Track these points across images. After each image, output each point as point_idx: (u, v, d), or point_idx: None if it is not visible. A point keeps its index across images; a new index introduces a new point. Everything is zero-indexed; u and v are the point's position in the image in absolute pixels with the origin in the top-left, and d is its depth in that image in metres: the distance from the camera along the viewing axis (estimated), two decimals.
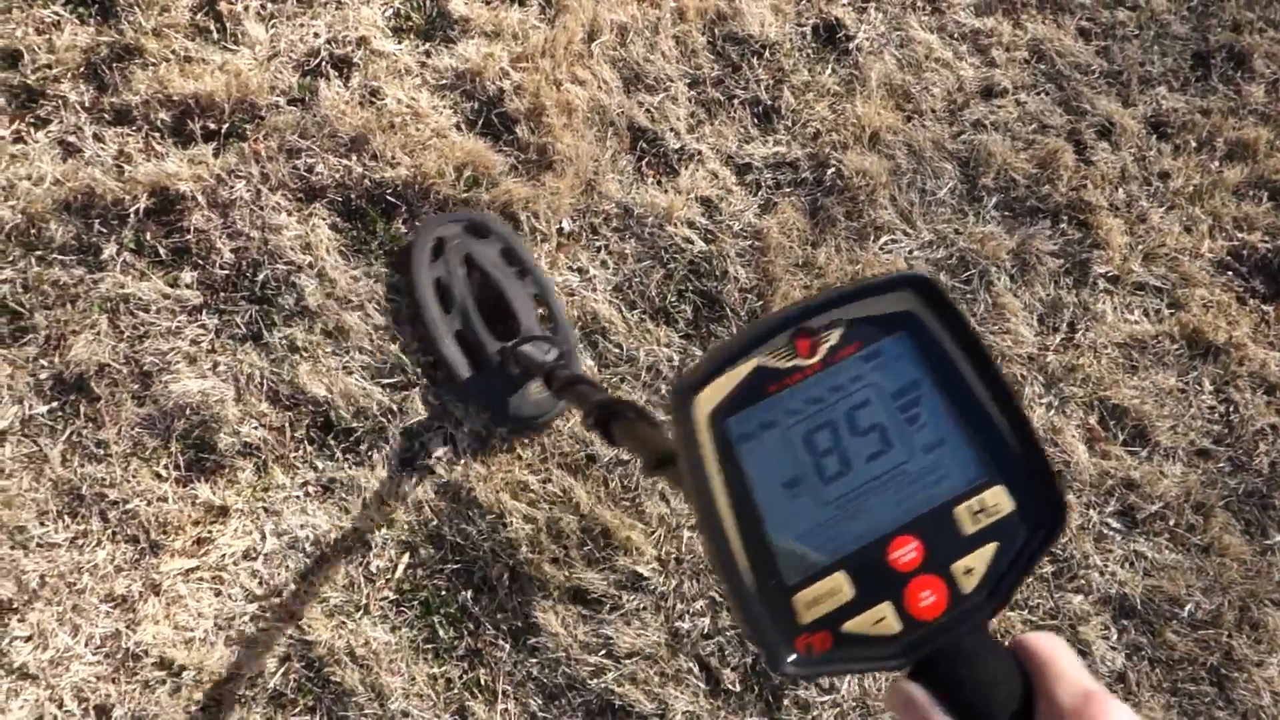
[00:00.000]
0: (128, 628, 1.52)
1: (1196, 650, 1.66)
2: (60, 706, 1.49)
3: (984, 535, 0.58)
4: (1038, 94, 1.89)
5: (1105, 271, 1.80)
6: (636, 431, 0.99)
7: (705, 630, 1.60)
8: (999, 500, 0.58)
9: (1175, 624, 1.67)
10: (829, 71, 1.86)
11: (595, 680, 1.57)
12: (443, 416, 1.63)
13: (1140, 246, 1.82)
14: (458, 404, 1.63)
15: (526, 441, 1.64)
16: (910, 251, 1.77)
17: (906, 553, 0.57)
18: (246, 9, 1.74)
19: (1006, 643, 0.56)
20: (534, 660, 1.57)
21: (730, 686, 1.59)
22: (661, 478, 0.86)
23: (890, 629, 0.56)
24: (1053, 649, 0.54)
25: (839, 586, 0.57)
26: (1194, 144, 1.88)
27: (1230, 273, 1.84)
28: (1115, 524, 1.71)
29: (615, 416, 1.03)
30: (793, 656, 0.56)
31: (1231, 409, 1.76)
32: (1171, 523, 1.71)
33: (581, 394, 1.22)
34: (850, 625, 0.57)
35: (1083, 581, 1.68)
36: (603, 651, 1.58)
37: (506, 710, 1.56)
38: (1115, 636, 1.67)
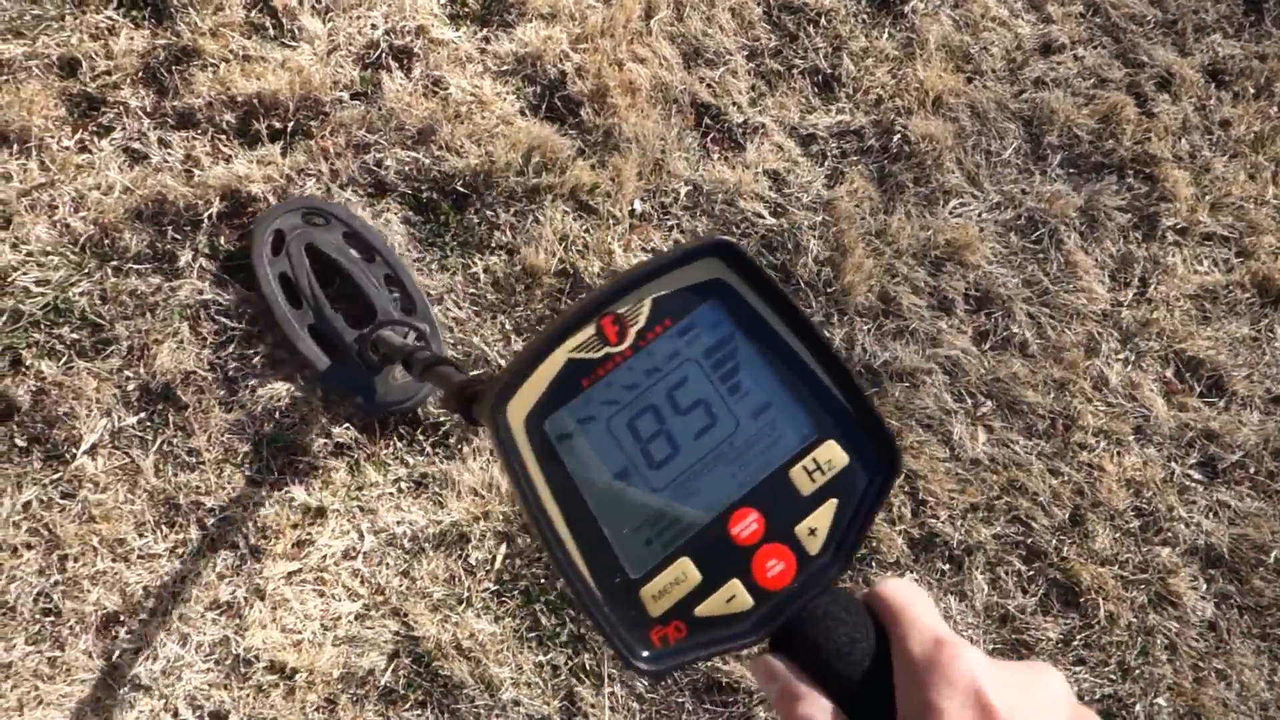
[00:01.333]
0: (236, 633, 1.52)
1: None
2: (176, 716, 1.49)
3: (823, 493, 0.57)
4: (1095, 48, 1.88)
5: (1173, 224, 1.80)
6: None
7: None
8: (832, 455, 0.57)
9: (1262, 570, 1.69)
10: (886, 36, 1.84)
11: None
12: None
13: (1207, 197, 1.82)
14: (322, 399, 1.61)
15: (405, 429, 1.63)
16: (979, 214, 1.77)
17: (747, 525, 0.56)
18: (301, 3, 1.72)
19: (860, 596, 0.55)
20: None
21: None
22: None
23: (743, 605, 0.55)
24: (905, 598, 0.52)
25: (685, 572, 0.55)
26: (1252, 90, 1.88)
27: None
28: (1197, 475, 1.72)
29: (476, 398, 0.97)
30: (647, 652, 0.54)
31: None
32: (1252, 470, 1.73)
33: (443, 375, 1.16)
34: (702, 609, 0.55)
35: (1169, 534, 1.70)
36: None
37: (614, 693, 1.57)
38: (1204, 587, 1.68)
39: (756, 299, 0.57)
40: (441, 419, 1.61)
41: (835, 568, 0.56)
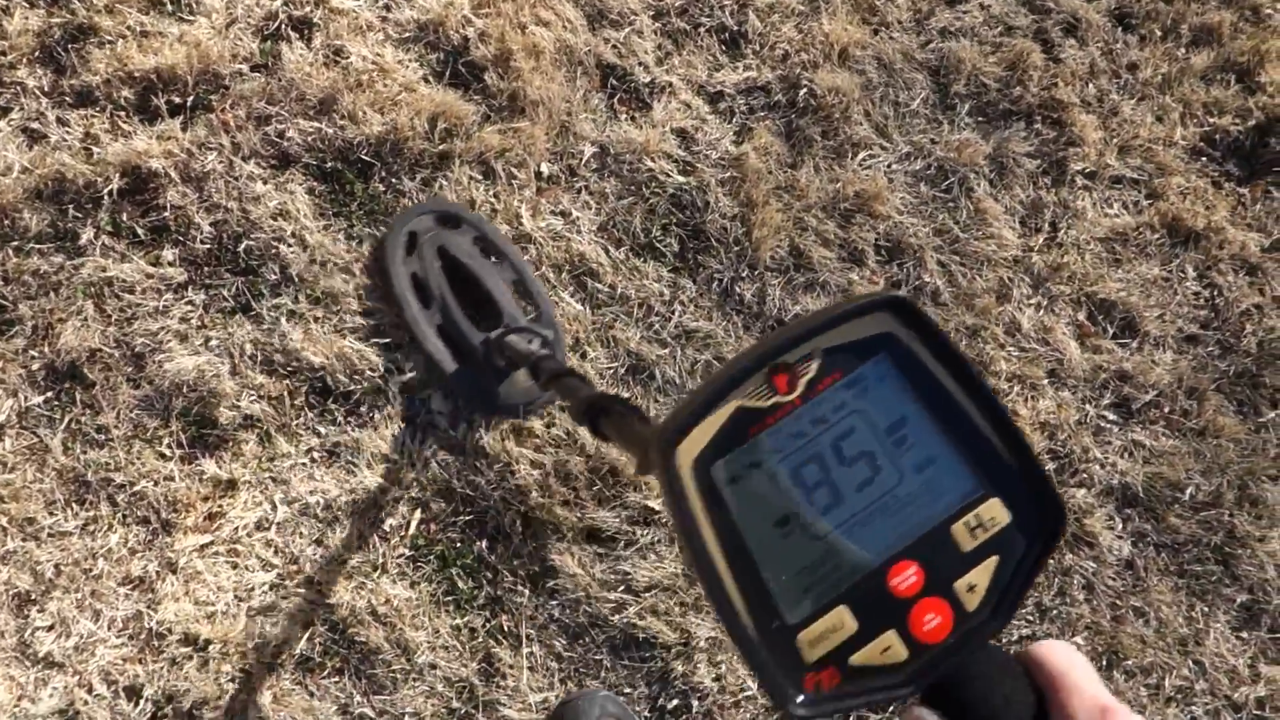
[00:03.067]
0: (148, 608, 1.52)
1: (1200, 531, 1.69)
2: (90, 691, 1.49)
3: (984, 550, 0.57)
4: None
5: (1082, 168, 1.81)
6: (626, 428, 0.95)
7: None
8: (995, 513, 0.57)
9: (1178, 508, 1.70)
10: None
11: (617, 616, 1.59)
12: (425, 423, 1.63)
13: (1114, 140, 1.83)
14: (446, 400, 1.64)
15: (524, 425, 1.65)
16: (889, 165, 1.78)
17: (906, 578, 0.56)
18: None
19: (1017, 653, 0.55)
20: (554, 602, 1.59)
21: None
22: (652, 476, 0.85)
23: (898, 657, 0.55)
24: (1067, 661, 0.52)
25: (842, 621, 0.55)
26: (1159, 33, 1.89)
27: (1204, 158, 1.85)
28: (1112, 416, 1.73)
29: (604, 412, 1.01)
30: (801, 697, 0.55)
31: (1216, 293, 1.79)
32: (1166, 410, 1.74)
33: (570, 387, 1.20)
34: (857, 658, 0.55)
35: (1085, 475, 1.71)
36: (621, 588, 1.60)
37: (532, 654, 1.58)
38: (1120, 526, 1.70)
39: (926, 353, 0.58)
40: (352, 387, 1.61)
41: (993, 625, 0.56)
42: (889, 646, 0.55)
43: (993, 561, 0.57)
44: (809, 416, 0.57)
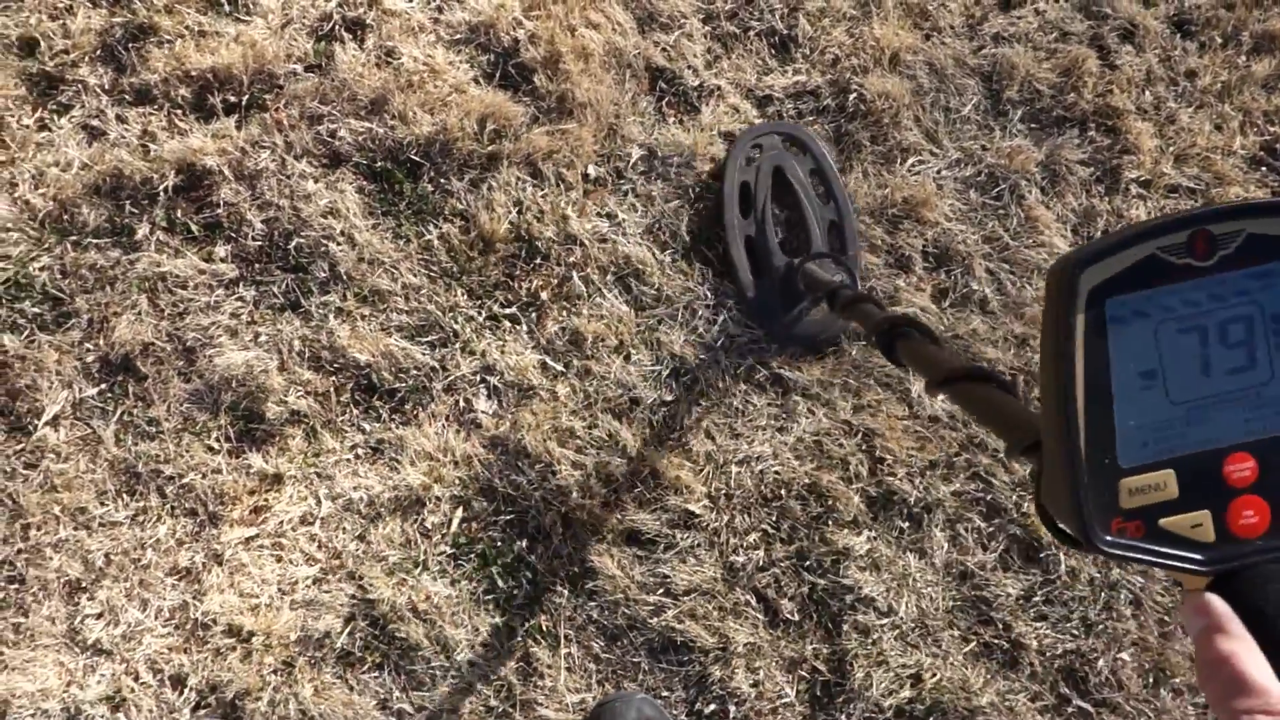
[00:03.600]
0: (194, 598, 1.54)
1: None
2: (136, 679, 1.52)
3: None
4: (1056, 1, 1.86)
5: (1137, 176, 1.78)
6: (922, 350, 1.00)
7: (760, 563, 1.61)
8: None
9: None
10: None
11: (655, 619, 1.58)
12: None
13: (1171, 148, 1.80)
14: (740, 312, 1.69)
15: (803, 360, 1.69)
16: (939, 171, 1.76)
17: (1241, 469, 0.58)
18: None
19: None
20: (593, 604, 1.59)
21: (789, 616, 1.60)
22: (946, 394, 0.89)
23: (1205, 536, 0.58)
24: None
25: (1166, 482, 0.58)
26: (1219, 40, 1.85)
27: (1264, 168, 1.81)
28: None
29: (900, 335, 1.05)
30: (1107, 536, 0.58)
31: None
32: None
33: (866, 312, 1.23)
34: (1167, 522, 0.58)
35: None
36: (660, 590, 1.60)
37: (570, 654, 1.58)
38: None
39: None
40: (397, 385, 1.62)
41: None
42: (1200, 524, 0.58)
43: None
44: (1211, 289, 0.59)
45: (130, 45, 1.69)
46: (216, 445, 1.59)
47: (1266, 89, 1.83)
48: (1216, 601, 0.55)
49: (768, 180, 1.70)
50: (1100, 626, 1.63)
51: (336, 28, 1.73)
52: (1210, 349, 0.59)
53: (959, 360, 0.92)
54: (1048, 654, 1.61)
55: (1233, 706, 0.51)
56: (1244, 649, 0.52)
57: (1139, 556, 0.58)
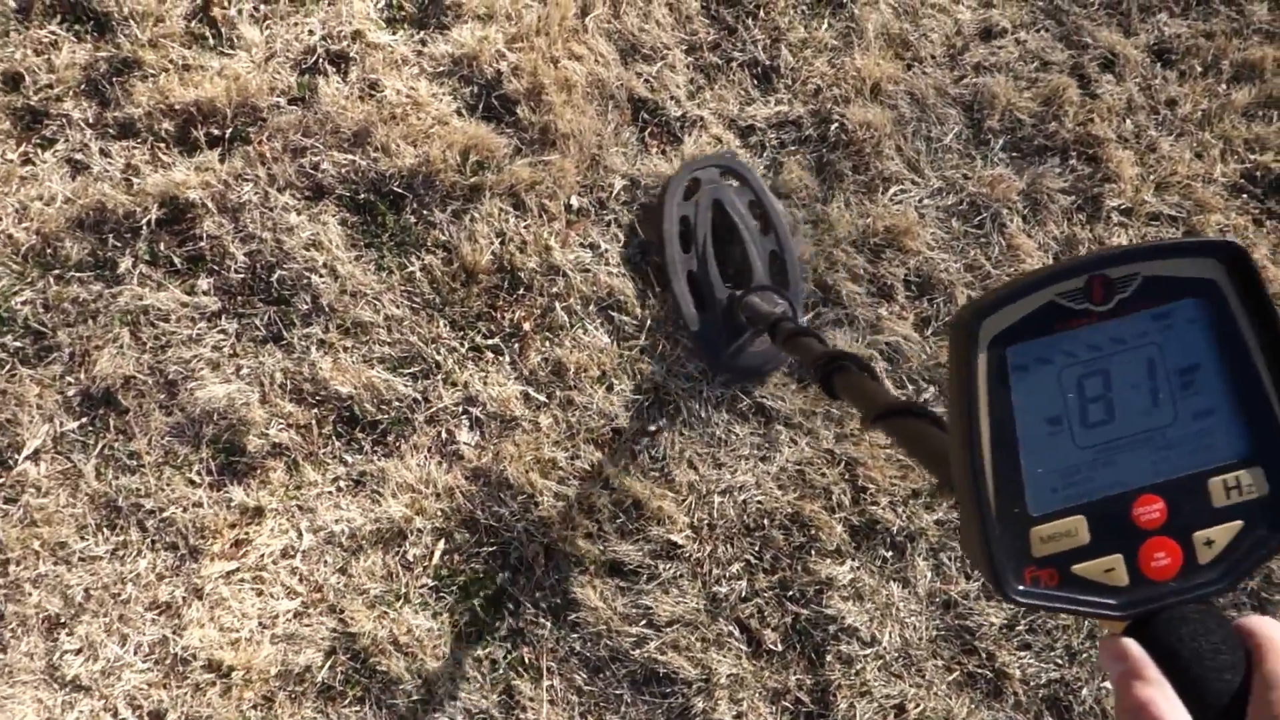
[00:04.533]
0: (174, 633, 1.54)
1: None
2: (115, 715, 1.51)
3: (1232, 512, 0.59)
4: (1037, 31, 1.87)
5: (1118, 204, 1.78)
6: (859, 384, 1.01)
7: (743, 593, 1.61)
8: (1256, 481, 0.59)
9: None
10: (825, 26, 1.84)
11: (638, 650, 1.58)
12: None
13: (1152, 176, 1.80)
14: (684, 345, 1.69)
15: (715, 397, 1.68)
16: (920, 200, 1.76)
17: (1150, 511, 0.58)
18: (240, 12, 1.75)
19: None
20: (575, 635, 1.59)
21: (773, 647, 1.60)
22: (882, 430, 0.89)
23: (1118, 580, 0.58)
24: (1277, 630, 0.54)
25: (1077, 528, 0.58)
26: (1199, 68, 1.86)
27: (1245, 195, 1.82)
28: None
29: (838, 370, 1.06)
30: (1020, 585, 0.58)
31: None
32: None
33: (806, 346, 1.24)
34: (1080, 568, 0.58)
35: None
36: (643, 621, 1.59)
37: (552, 686, 1.57)
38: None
39: (1241, 310, 0.59)
40: (380, 417, 1.62)
41: (1218, 585, 0.59)
42: (1113, 569, 0.58)
43: (1237, 525, 0.59)
44: (1111, 333, 0.59)
45: (114, 79, 1.69)
46: (198, 479, 1.59)
47: (1246, 117, 1.84)
48: (1133, 646, 0.55)
49: (707, 214, 1.70)
50: (1083, 655, 1.62)
51: (320, 61, 1.74)
52: (1114, 393, 0.59)
53: (893, 396, 0.93)
54: (1031, 683, 1.61)
55: None
56: (1161, 696, 0.53)
57: (1054, 605, 0.58)
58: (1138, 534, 0.58)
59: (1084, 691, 1.60)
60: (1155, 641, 0.56)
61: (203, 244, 1.65)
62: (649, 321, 1.69)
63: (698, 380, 1.68)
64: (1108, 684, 1.60)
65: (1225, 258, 0.58)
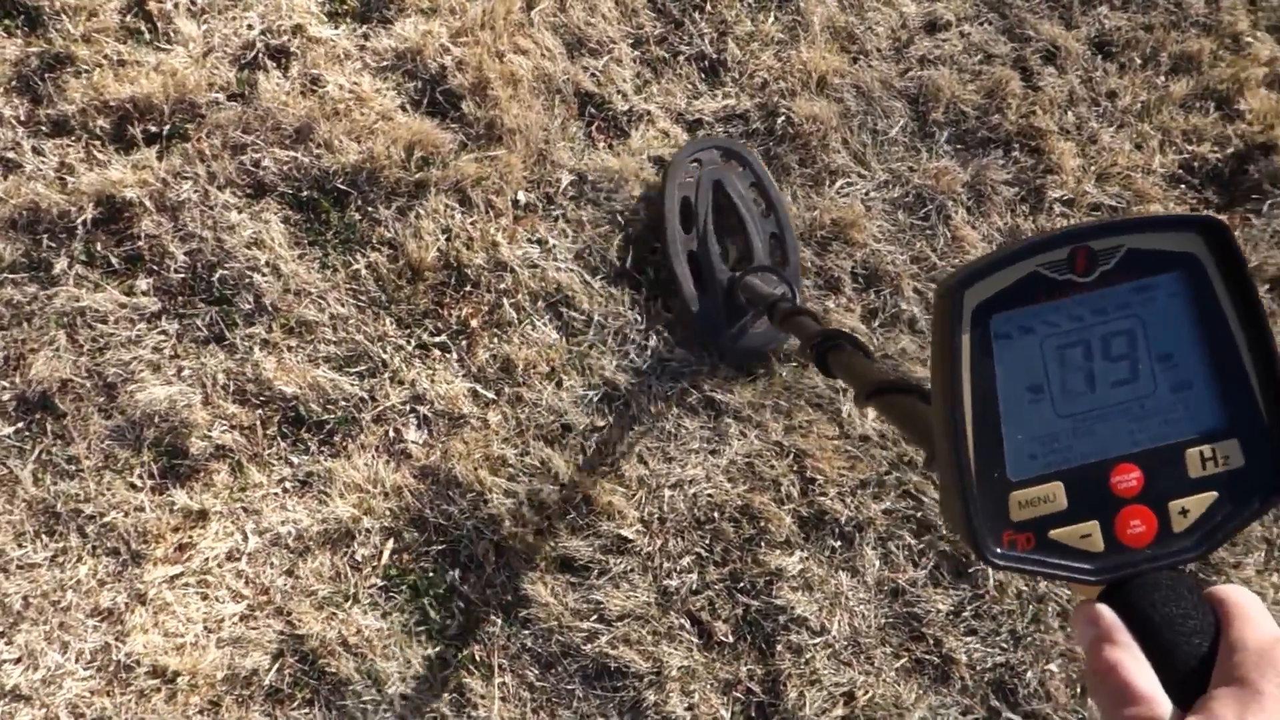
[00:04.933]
0: (117, 640, 1.52)
1: None
2: None
3: (1207, 482, 0.60)
4: (981, 24, 1.88)
5: (1060, 195, 1.81)
6: (852, 363, 1.03)
7: (693, 586, 1.61)
8: (1231, 453, 0.60)
9: None
10: (771, 19, 1.84)
11: (589, 645, 1.58)
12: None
13: (1093, 168, 1.82)
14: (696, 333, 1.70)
15: (749, 375, 1.70)
16: (867, 193, 1.77)
17: (1127, 480, 0.60)
18: (177, 6, 1.71)
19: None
20: (527, 632, 1.58)
21: (724, 639, 1.60)
22: (874, 407, 0.91)
23: (1094, 546, 0.59)
24: (1249, 600, 0.56)
25: (1055, 495, 0.60)
26: (1139, 61, 1.88)
27: (1183, 186, 1.85)
28: None
29: (833, 348, 1.07)
30: (998, 548, 0.59)
31: None
32: None
33: (802, 325, 1.25)
34: (1056, 533, 0.60)
35: None
36: (594, 616, 1.59)
37: (504, 683, 1.57)
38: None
39: (1221, 285, 0.60)
40: (326, 417, 1.60)
41: (1190, 553, 0.60)
42: (1089, 535, 0.59)
43: (1211, 496, 0.60)
44: (1093, 304, 0.60)
45: (47, 75, 1.66)
46: (139, 482, 1.57)
47: (1184, 108, 1.87)
48: (1105, 611, 0.57)
49: (708, 194, 1.70)
50: (1028, 639, 1.64)
51: (260, 56, 1.71)
52: (1095, 363, 0.60)
53: (885, 373, 0.94)
54: (978, 667, 1.63)
55: (1118, 714, 0.53)
56: (1130, 658, 0.54)
57: (1030, 568, 0.60)
58: (1114, 501, 0.60)
59: (1029, 674, 1.62)
60: (1128, 607, 0.57)
61: (141, 244, 1.62)
62: (597, 317, 1.68)
63: (646, 375, 1.68)
64: (1052, 667, 1.63)
65: (1207, 232, 0.60)
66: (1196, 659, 0.54)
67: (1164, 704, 0.52)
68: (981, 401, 0.59)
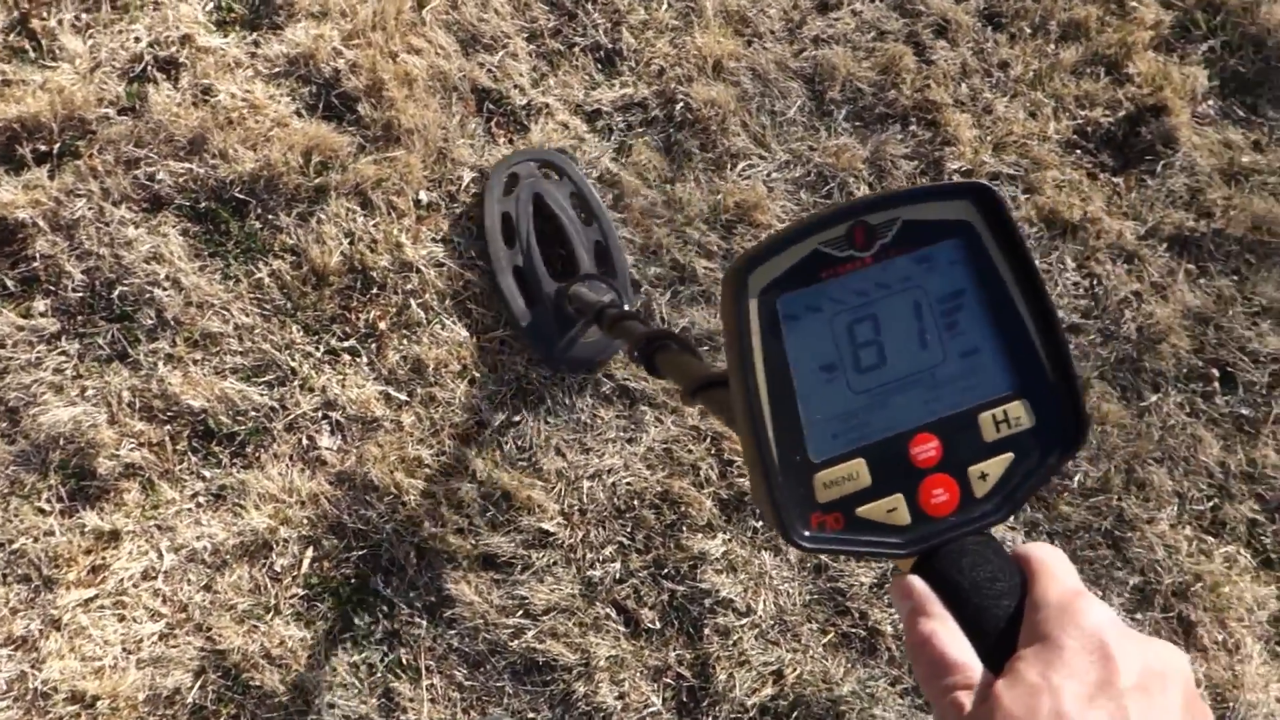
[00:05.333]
0: (32, 667, 1.49)
1: (1090, 517, 1.72)
2: None
3: (1002, 445, 0.61)
4: (872, 2, 1.90)
5: (959, 167, 1.83)
6: (678, 361, 1.03)
7: (618, 575, 1.62)
8: (1021, 414, 0.61)
9: (1067, 495, 1.73)
10: (665, 6, 1.85)
11: (516, 641, 1.58)
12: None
13: (989, 138, 1.85)
14: (514, 341, 1.69)
15: (578, 382, 1.70)
16: (769, 174, 1.79)
17: (926, 450, 0.60)
18: (61, 23, 1.69)
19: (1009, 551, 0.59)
20: (453, 632, 1.58)
21: (651, 625, 1.61)
22: (700, 403, 0.91)
23: (901, 520, 0.60)
24: (1051, 556, 0.56)
25: (858, 472, 0.60)
26: (1028, 30, 1.92)
27: (1079, 151, 1.88)
28: None
29: (660, 349, 1.07)
30: (808, 531, 0.59)
31: (1095, 282, 1.82)
32: None
33: (628, 329, 1.25)
34: (863, 510, 0.60)
35: None
36: (520, 612, 1.59)
37: (432, 685, 1.57)
38: (1012, 518, 1.72)
39: (996, 249, 0.61)
40: (236, 428, 1.59)
41: (994, 516, 0.61)
42: (895, 509, 0.60)
43: (1008, 458, 0.61)
44: (875, 278, 0.61)
45: None
46: (47, 506, 1.54)
47: (1075, 75, 1.90)
48: (917, 583, 0.58)
49: (528, 208, 1.69)
50: None
51: (148, 68, 1.69)
52: (883, 336, 0.61)
53: (710, 369, 0.94)
54: (904, 638, 1.65)
55: (935, 685, 0.54)
56: (943, 628, 0.55)
57: (842, 548, 0.61)
58: (916, 473, 0.60)
59: None
60: (938, 575, 0.58)
61: (36, 264, 1.60)
62: (505, 311, 1.68)
63: (559, 367, 1.68)
64: None
65: (978, 200, 0.60)
66: (1005, 620, 0.55)
67: (977, 669, 0.53)
68: (776, 384, 0.59)
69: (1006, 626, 0.54)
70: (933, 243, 0.61)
